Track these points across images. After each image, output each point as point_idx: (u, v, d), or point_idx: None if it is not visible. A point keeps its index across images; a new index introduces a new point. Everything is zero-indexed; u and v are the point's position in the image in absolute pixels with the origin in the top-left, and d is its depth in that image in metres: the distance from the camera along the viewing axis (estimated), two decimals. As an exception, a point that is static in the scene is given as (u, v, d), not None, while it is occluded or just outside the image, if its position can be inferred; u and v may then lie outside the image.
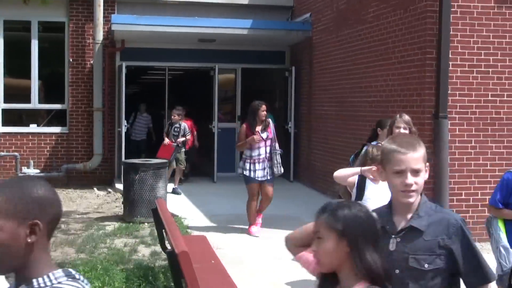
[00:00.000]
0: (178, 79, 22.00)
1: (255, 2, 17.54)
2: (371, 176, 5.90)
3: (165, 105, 18.42)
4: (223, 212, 12.70)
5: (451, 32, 10.42)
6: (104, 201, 14.78)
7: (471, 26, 10.53)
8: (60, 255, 9.60)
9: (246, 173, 11.05)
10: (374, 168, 5.59)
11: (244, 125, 11.37)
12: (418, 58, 10.82)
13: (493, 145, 10.62)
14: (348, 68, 13.80)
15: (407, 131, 7.14)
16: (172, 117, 15.44)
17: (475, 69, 10.55)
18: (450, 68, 10.44)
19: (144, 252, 9.84)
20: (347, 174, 6.37)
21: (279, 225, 11.46)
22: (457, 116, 10.51)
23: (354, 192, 6.20)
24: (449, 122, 10.43)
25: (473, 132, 10.55)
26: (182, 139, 15.38)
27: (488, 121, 10.60)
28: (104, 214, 13.14)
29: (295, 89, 16.99)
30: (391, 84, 11.83)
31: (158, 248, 9.38)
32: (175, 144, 15.14)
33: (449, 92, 10.44)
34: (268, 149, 11.14)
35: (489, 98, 10.60)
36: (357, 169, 6.16)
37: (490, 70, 10.58)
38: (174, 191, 14.95)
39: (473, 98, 10.55)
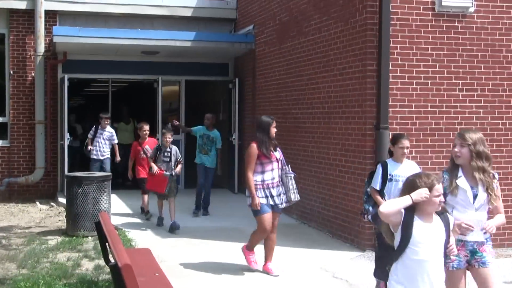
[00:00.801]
0: (122, 91, 21.91)
1: (199, 15, 17.59)
2: (423, 198, 5.11)
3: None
4: (168, 225, 12.65)
5: (391, 44, 10.62)
6: (46, 215, 14.56)
7: (410, 39, 10.75)
8: (1, 271, 9.43)
9: (262, 200, 9.26)
10: (426, 191, 5.11)
11: (253, 145, 9.34)
12: (359, 70, 10.99)
13: (433, 155, 10.82)
14: (291, 79, 13.93)
15: (464, 149, 6.07)
16: (165, 139, 12.71)
17: (414, 81, 10.76)
18: (391, 79, 10.63)
19: (87, 266, 9.72)
20: (398, 206, 5.18)
21: (223, 237, 11.51)
22: (398, 127, 10.67)
23: (398, 233, 5.25)
24: (390, 133, 10.59)
25: (414, 143, 10.70)
26: (179, 167, 12.96)
27: (428, 131, 10.81)
28: (47, 228, 12.95)
29: (239, 101, 17.06)
30: (333, 95, 11.97)
31: (102, 262, 9.21)
32: (169, 173, 12.47)
33: (389, 103, 10.62)
34: (279, 171, 9.48)
35: (429, 109, 10.81)
36: (407, 199, 5.18)
37: (429, 81, 10.81)
38: (174, 226, 12.27)
39: (413, 109, 10.76)
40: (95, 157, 15.37)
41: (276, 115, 14.67)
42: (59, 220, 13.65)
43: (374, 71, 10.70)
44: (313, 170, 12.81)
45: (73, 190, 11.98)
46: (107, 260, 7.88)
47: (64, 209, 13.71)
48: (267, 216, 9.23)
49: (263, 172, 9.31)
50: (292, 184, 9.51)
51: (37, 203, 16.10)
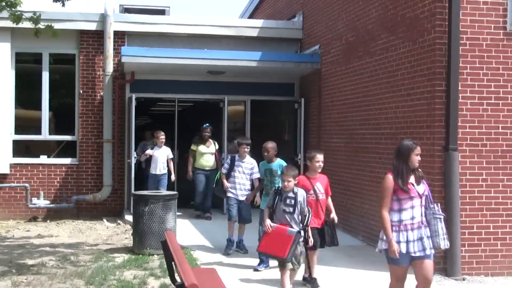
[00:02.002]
0: (188, 111, 21.97)
1: (265, 35, 17.62)
2: None
3: (175, 137, 18.33)
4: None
5: (461, 64, 10.39)
6: (113, 232, 14.70)
7: (481, 58, 10.50)
8: (70, 287, 9.56)
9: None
10: None
11: (389, 176, 7.58)
12: (428, 90, 10.77)
13: (505, 177, 10.52)
14: (358, 100, 13.76)
15: None
16: (285, 182, 9.02)
17: (485, 101, 10.49)
18: (460, 100, 10.39)
19: (153, 284, 9.75)
20: None
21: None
22: (467, 148, 10.44)
23: None
24: (459, 154, 10.36)
25: (484, 165, 10.46)
26: (307, 219, 9.14)
27: (499, 153, 10.51)
28: (113, 245, 13.06)
29: (304, 121, 16.92)
30: (401, 116, 11.77)
31: (167, 280, 9.22)
32: (295, 230, 8.80)
33: (459, 124, 10.38)
34: (423, 209, 7.52)
35: (500, 130, 10.53)
36: None
37: (500, 102, 10.52)
38: None
39: (484, 130, 10.49)
40: (233, 195, 12.38)
41: (341, 135, 14.59)
42: (125, 238, 13.78)
43: (443, 91, 10.47)
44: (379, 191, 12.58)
45: (139, 208, 12.02)
46: (173, 279, 7.84)
47: (130, 227, 13.82)
48: (400, 269, 7.51)
49: (400, 211, 7.48)
50: (442, 228, 7.56)
51: (104, 220, 16.25)
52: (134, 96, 16.43)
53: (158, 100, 20.27)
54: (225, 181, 12.33)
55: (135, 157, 16.38)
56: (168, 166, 16.22)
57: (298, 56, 17.35)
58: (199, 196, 16.21)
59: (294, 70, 17.10)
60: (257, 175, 12.25)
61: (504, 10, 10.56)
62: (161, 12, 18.90)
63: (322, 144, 15.82)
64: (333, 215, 9.92)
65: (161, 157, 15.99)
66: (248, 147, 12.49)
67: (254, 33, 17.64)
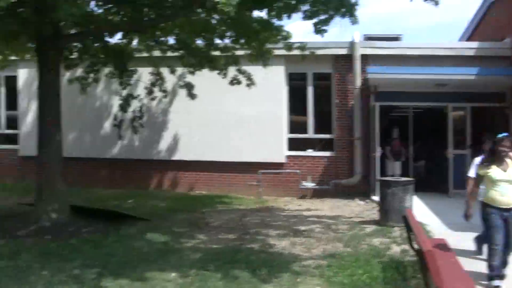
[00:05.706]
0: (418, 115, 21.70)
1: (480, 54, 16.96)
2: None
3: (409, 136, 18.11)
4: (457, 221, 12.23)
5: None
6: (363, 209, 14.83)
7: None
8: (332, 248, 9.91)
9: None
10: None
11: None
12: None
13: None
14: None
15: None
16: None
17: None
18: None
19: (395, 249, 9.80)
20: None
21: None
22: None
23: None
24: None
25: None
26: None
27: None
28: (363, 219, 13.19)
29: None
30: None
31: (406, 247, 9.30)
32: None
33: None
34: None
35: None
36: None
37: None
38: None
39: None
40: None
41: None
42: (372, 213, 13.80)
43: None
44: None
45: (384, 190, 12.22)
46: (411, 246, 7.96)
47: (376, 205, 13.92)
48: None
49: None
50: None
51: (356, 199, 16.38)
52: (377, 104, 16.59)
53: (395, 107, 20.26)
54: None
55: (379, 151, 16.49)
56: None
57: (508, 70, 16.55)
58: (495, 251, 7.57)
59: (505, 82, 16.34)
60: None
61: None
62: (396, 38, 18.83)
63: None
64: None
65: None
66: None
67: (470, 52, 17.03)
